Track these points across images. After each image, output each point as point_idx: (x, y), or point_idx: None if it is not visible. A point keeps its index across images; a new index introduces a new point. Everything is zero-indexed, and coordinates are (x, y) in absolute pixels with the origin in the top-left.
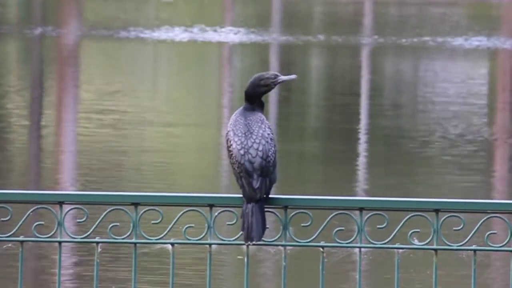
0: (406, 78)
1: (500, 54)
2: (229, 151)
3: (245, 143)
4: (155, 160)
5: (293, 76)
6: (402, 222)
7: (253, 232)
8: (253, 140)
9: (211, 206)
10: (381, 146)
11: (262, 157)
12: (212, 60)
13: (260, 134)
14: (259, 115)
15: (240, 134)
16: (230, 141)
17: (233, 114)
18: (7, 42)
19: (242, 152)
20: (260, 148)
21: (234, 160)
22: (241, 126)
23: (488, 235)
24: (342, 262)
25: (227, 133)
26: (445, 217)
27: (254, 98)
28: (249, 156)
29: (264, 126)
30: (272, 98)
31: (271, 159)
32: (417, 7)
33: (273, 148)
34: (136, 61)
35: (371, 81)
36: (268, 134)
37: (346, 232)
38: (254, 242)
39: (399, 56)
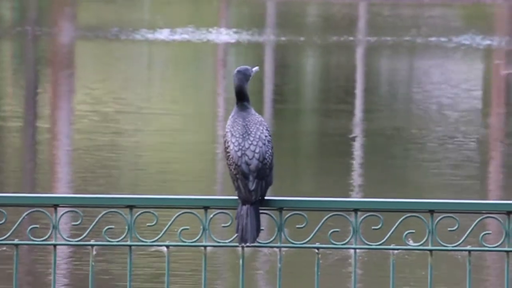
0: (401, 78)
1: (494, 53)
2: (227, 152)
3: (242, 144)
4: (151, 162)
5: (256, 68)
6: (397, 223)
7: (247, 234)
8: (250, 142)
9: (206, 208)
10: (375, 146)
11: (258, 159)
12: (207, 60)
13: (257, 136)
14: (257, 116)
15: (237, 136)
16: (227, 142)
17: (230, 116)
18: (1, 44)
19: (239, 153)
20: (257, 150)
21: (231, 161)
22: (239, 128)
23: (483, 235)
24: (337, 263)
25: (225, 134)
26: (439, 217)
27: (245, 93)
28: (246, 158)
29: (262, 127)
30: (267, 98)
31: (267, 161)
32: (411, 8)
33: (270, 151)
34: (131, 62)
35: (366, 81)
36: (266, 136)
37: (341, 234)
38: (248, 244)
39: (393, 56)
